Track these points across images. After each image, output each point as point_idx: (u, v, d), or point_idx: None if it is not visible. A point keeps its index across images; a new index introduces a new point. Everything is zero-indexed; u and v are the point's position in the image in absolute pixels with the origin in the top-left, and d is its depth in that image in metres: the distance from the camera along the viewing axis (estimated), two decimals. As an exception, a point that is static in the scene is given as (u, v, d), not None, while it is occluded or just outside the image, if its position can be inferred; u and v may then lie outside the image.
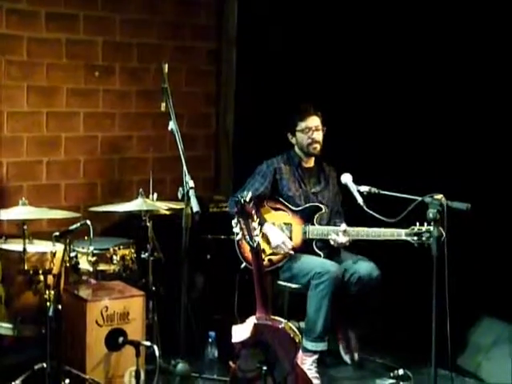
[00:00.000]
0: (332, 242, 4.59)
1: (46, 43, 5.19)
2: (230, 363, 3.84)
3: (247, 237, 3.66)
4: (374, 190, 4.19)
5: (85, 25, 5.33)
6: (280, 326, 3.69)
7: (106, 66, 5.46)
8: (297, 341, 3.69)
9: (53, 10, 5.20)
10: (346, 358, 4.81)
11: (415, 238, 4.35)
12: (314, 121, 4.81)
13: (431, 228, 3.71)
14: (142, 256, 4.50)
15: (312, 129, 4.78)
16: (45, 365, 3.96)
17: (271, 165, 4.84)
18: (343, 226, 4.57)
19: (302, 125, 4.81)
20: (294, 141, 4.87)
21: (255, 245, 3.67)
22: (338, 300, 4.53)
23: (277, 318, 3.79)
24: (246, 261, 4.60)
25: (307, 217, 4.72)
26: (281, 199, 4.76)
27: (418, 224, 4.33)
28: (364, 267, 4.60)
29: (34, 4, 5.12)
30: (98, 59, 5.42)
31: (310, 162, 4.89)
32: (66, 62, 5.28)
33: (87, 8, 5.34)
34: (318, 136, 4.80)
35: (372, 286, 4.56)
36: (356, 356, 4.79)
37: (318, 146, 4.80)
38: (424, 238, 4.30)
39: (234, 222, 3.76)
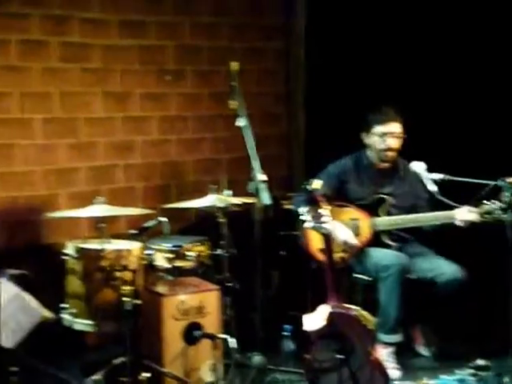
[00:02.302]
0: (459, 223, 4.42)
1: (119, 50, 5.35)
2: (304, 356, 3.85)
3: (316, 224, 3.67)
4: (447, 177, 4.14)
5: (156, 30, 5.49)
6: (353, 314, 3.69)
7: (177, 69, 5.60)
8: (370, 328, 3.68)
9: (124, 18, 5.36)
10: (423, 350, 4.76)
11: (487, 215, 4.27)
12: (393, 127, 4.67)
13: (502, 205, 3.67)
14: (217, 252, 4.56)
15: (389, 135, 4.65)
16: (124, 359, 4.06)
17: (338, 168, 4.78)
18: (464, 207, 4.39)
19: (379, 128, 4.68)
20: (367, 142, 4.76)
21: (325, 231, 3.67)
22: (413, 294, 4.50)
23: (349, 305, 3.79)
24: (311, 254, 4.59)
25: (373, 210, 4.68)
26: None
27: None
28: (449, 269, 4.53)
29: (106, 12, 5.29)
30: (169, 63, 5.56)
31: (383, 164, 4.77)
32: (138, 67, 5.44)
33: (157, 14, 5.49)
34: (395, 143, 4.66)
35: (457, 288, 4.49)
36: (433, 348, 4.75)
37: (392, 154, 4.68)
38: (496, 215, 4.21)
39: (301, 210, 3.76)
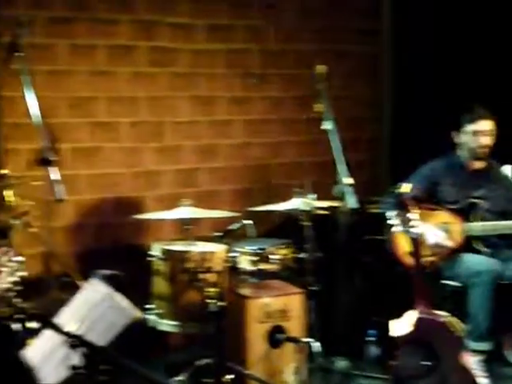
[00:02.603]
0: None
1: (206, 54, 5.41)
2: (391, 362, 3.80)
3: (405, 228, 3.63)
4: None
5: (242, 34, 5.53)
6: (441, 320, 3.63)
7: (262, 73, 5.63)
8: (459, 336, 3.61)
9: (212, 22, 5.42)
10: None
11: None
12: (485, 125, 4.64)
13: None
14: (301, 256, 4.55)
15: (482, 133, 4.62)
16: (208, 361, 4.08)
17: (430, 169, 4.74)
18: None
19: (470, 127, 4.65)
20: (459, 141, 4.72)
21: (415, 235, 3.63)
22: (505, 300, 4.39)
23: (437, 311, 3.73)
24: (399, 259, 4.54)
25: (465, 214, 4.60)
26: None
27: None
28: None
29: (194, 17, 5.36)
30: (255, 67, 5.60)
31: (476, 164, 4.72)
32: (224, 71, 5.49)
33: (244, 18, 5.54)
34: (486, 141, 4.63)
35: None
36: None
37: (484, 151, 4.65)
38: None
39: (389, 214, 3.73)
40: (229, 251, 4.33)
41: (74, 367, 2.10)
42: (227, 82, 5.51)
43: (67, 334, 2.04)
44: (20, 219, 4.04)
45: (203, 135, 5.47)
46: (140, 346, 4.56)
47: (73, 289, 3.88)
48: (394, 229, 3.93)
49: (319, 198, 4.60)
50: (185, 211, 4.34)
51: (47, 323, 2.13)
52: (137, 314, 2.65)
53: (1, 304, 3.74)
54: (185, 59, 5.35)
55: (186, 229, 4.29)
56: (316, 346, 4.00)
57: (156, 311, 4.27)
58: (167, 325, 4.25)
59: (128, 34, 5.17)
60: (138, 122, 5.25)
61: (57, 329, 2.06)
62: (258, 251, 4.57)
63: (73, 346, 2.03)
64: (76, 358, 2.21)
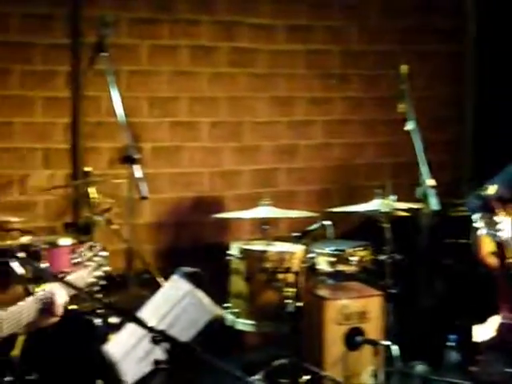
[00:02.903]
0: None
1: (286, 55, 5.42)
2: (471, 368, 3.73)
3: (491, 230, 3.55)
4: None
5: (322, 35, 5.52)
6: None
7: (343, 73, 5.60)
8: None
9: (292, 23, 5.43)
10: None
11: None
12: None
13: None
14: (380, 258, 4.50)
15: None
16: (284, 361, 4.08)
17: None
18: None
19: None
20: None
21: (500, 239, 3.54)
22: None
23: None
24: (482, 261, 4.43)
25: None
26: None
27: None
28: None
29: (275, 18, 5.38)
30: (335, 68, 5.58)
31: None
32: (304, 71, 5.49)
33: (325, 18, 5.53)
34: None
35: None
36: None
37: None
38: None
39: (474, 216, 3.65)
40: (307, 252, 4.32)
41: (156, 362, 2.12)
42: (307, 82, 5.51)
43: (151, 329, 2.06)
44: (102, 216, 4.11)
45: (282, 135, 5.48)
46: (217, 345, 4.60)
47: (153, 286, 3.95)
48: (479, 232, 3.85)
49: (399, 200, 4.55)
50: (264, 211, 4.35)
51: (131, 318, 2.15)
52: (218, 311, 2.67)
53: (84, 299, 3.84)
54: (264, 60, 5.38)
55: (265, 228, 4.29)
56: (395, 349, 3.95)
57: (233, 310, 4.28)
58: (244, 324, 4.26)
59: (209, 34, 5.23)
60: (217, 122, 5.30)
61: (141, 323, 2.09)
62: (337, 252, 4.55)
63: (156, 341, 2.05)
64: (159, 354, 2.24)
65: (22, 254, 2.42)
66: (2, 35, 4.76)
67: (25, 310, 2.56)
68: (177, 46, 5.16)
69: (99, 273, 3.09)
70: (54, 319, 2.67)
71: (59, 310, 2.63)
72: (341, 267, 4.53)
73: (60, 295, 2.66)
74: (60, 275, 2.69)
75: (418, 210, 4.22)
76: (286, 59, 5.43)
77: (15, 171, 4.85)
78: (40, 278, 3.38)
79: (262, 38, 5.34)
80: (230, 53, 5.28)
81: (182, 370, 2.14)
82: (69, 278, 2.75)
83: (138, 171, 3.54)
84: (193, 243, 5.21)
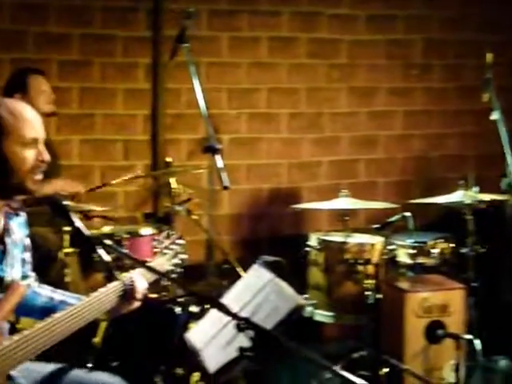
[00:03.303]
0: None
1: (366, 45, 5.38)
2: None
3: None
4: None
5: (404, 25, 5.45)
6: None
7: (424, 63, 5.53)
8: None
9: (373, 13, 5.38)
10: None
11: None
12: None
13: None
14: (462, 250, 4.41)
15: None
16: (363, 353, 4.05)
17: None
18: None
19: None
20: None
21: None
22: None
23: None
24: None
25: None
26: None
27: None
28: None
29: (355, 8, 5.34)
30: (417, 58, 5.50)
31: None
32: (384, 62, 5.44)
33: (406, 8, 5.46)
34: None
35: None
36: None
37: None
38: None
39: None
40: (387, 244, 4.27)
41: (241, 349, 2.13)
42: (387, 72, 5.46)
43: (236, 316, 2.06)
44: (183, 206, 4.15)
45: (362, 126, 5.44)
46: (295, 336, 4.60)
47: (232, 276, 3.97)
48: None
49: (484, 191, 4.46)
50: (343, 202, 4.32)
51: (216, 304, 2.16)
52: (300, 300, 2.66)
53: (164, 287, 3.89)
54: (344, 50, 5.35)
55: (344, 220, 4.27)
56: (477, 343, 3.87)
57: (311, 301, 4.27)
58: (322, 315, 4.25)
59: (289, 25, 5.23)
60: (296, 113, 5.29)
61: (225, 310, 2.09)
62: (418, 244, 4.48)
63: (240, 328, 2.05)
64: (241, 341, 2.24)
65: (108, 241, 2.46)
66: (85, 28, 4.86)
67: (106, 295, 2.60)
68: (256, 38, 5.17)
69: (176, 260, 3.13)
70: (135, 305, 2.71)
71: (140, 297, 2.67)
72: (421, 259, 4.46)
73: (141, 282, 2.70)
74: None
75: (502, 201, 4.13)
76: (367, 49, 5.38)
77: (96, 162, 4.95)
78: (122, 265, 3.44)
79: (341, 29, 5.32)
80: (310, 43, 5.27)
81: (266, 357, 2.13)
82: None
83: (219, 161, 3.56)
84: (271, 234, 5.23)
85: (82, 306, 2.52)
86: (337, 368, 1.99)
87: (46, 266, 4.04)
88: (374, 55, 5.41)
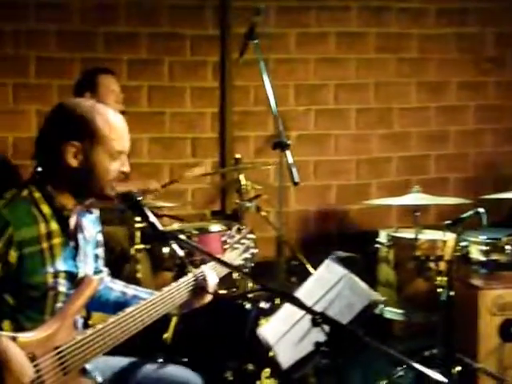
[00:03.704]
0: None
1: (436, 39, 5.30)
2: None
3: None
4: None
5: (476, 18, 5.35)
6: None
7: (497, 57, 5.42)
8: None
9: (443, 6, 5.31)
10: None
11: None
12: None
13: None
14: (535, 247, 4.31)
15: None
16: (435, 351, 3.98)
17: None
18: None
19: None
20: None
21: None
22: None
23: None
24: None
25: None
26: None
27: None
28: None
29: (425, 1, 5.27)
30: (489, 51, 5.40)
31: None
32: (455, 56, 5.36)
33: (477, 0, 5.35)
34: None
35: None
36: None
37: None
38: None
39: None
40: (459, 240, 4.18)
41: (317, 344, 2.11)
42: (459, 67, 5.37)
43: (311, 311, 2.04)
44: (252, 203, 4.15)
45: (432, 122, 5.36)
46: (364, 333, 4.56)
47: (301, 273, 3.96)
48: None
49: None
50: (414, 198, 4.26)
51: (291, 300, 2.15)
52: (375, 296, 2.62)
53: (234, 283, 3.90)
54: (414, 44, 5.28)
55: (415, 216, 4.20)
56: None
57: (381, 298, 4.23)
58: (392, 312, 4.20)
59: (357, 20, 5.18)
60: (365, 109, 5.25)
61: (301, 305, 2.08)
62: (491, 241, 4.38)
63: (316, 323, 2.03)
64: (315, 336, 2.23)
65: (182, 236, 2.47)
66: (153, 27, 4.91)
67: (178, 290, 2.62)
68: (324, 33, 5.15)
69: (247, 255, 3.13)
70: (206, 300, 2.72)
71: (211, 291, 2.68)
72: (495, 256, 4.36)
73: (212, 276, 2.71)
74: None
75: None
76: (437, 43, 5.31)
77: (165, 160, 4.99)
78: (193, 261, 3.45)
79: (411, 23, 5.25)
80: (379, 38, 5.22)
81: (339, 354, 2.11)
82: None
83: (289, 157, 3.54)
84: (339, 231, 5.20)
85: (154, 300, 2.54)
86: (414, 363, 1.95)
87: (119, 266, 4.11)
88: (445, 49, 5.33)
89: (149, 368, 2.71)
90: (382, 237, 4.32)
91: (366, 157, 5.28)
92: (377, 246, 4.34)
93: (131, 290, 2.79)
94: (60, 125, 2.44)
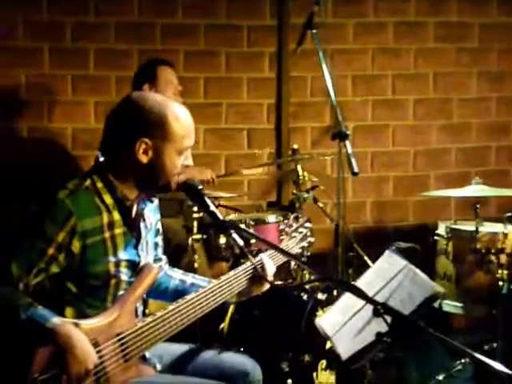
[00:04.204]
0: None
1: (498, 28, 5.20)
2: None
3: None
4: None
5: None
6: None
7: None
8: None
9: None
10: None
11: None
12: None
13: None
14: None
15: None
16: (495, 345, 3.92)
17: None
18: None
19: None
20: None
21: None
22: None
23: None
24: None
25: None
26: None
27: None
28: None
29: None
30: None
31: None
32: (517, 45, 5.24)
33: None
34: None
35: None
36: None
37: None
38: None
39: None
40: (520, 233, 4.11)
41: (378, 335, 2.08)
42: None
43: (373, 301, 2.02)
44: (309, 194, 4.13)
45: (492, 113, 5.26)
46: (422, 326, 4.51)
47: (359, 265, 3.93)
48: None
49: None
50: (474, 189, 4.19)
51: (352, 290, 2.13)
52: (436, 288, 2.59)
53: (290, 273, 3.89)
54: (474, 34, 5.18)
55: (475, 208, 4.13)
56: None
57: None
58: (451, 306, 4.15)
59: (416, 9, 5.11)
60: (423, 99, 5.18)
61: (362, 295, 2.06)
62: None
63: (377, 314, 2.01)
64: (375, 327, 2.21)
65: (242, 225, 2.47)
66: (210, 19, 4.92)
67: (236, 278, 2.62)
68: (382, 23, 5.09)
69: (304, 244, 3.12)
70: (264, 288, 2.72)
71: (269, 279, 2.68)
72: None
73: (270, 265, 2.71)
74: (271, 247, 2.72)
75: None
76: (499, 33, 5.19)
77: (221, 151, 5.00)
78: (250, 251, 3.45)
79: (471, 12, 5.15)
80: (438, 28, 5.13)
81: (403, 342, 2.09)
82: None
83: (348, 147, 3.51)
84: (396, 223, 5.16)
85: (213, 288, 2.55)
86: (476, 355, 1.92)
87: (176, 257, 4.14)
88: (506, 39, 5.20)
89: (208, 354, 2.72)
90: (441, 229, 4.27)
91: (424, 148, 5.21)
92: (435, 238, 4.29)
93: (190, 277, 2.81)
94: (131, 121, 2.46)
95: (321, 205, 4.19)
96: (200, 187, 2.57)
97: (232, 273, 2.64)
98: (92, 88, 4.75)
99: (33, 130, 4.79)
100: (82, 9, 4.76)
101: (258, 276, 2.67)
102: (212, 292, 2.55)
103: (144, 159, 2.44)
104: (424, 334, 1.98)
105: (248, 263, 2.67)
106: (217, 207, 4.34)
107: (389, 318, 2.04)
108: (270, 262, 2.72)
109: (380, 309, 1.99)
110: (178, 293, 2.69)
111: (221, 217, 2.49)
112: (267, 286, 2.71)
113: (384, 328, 2.07)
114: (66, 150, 4.80)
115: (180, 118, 2.48)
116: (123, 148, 2.44)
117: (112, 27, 4.81)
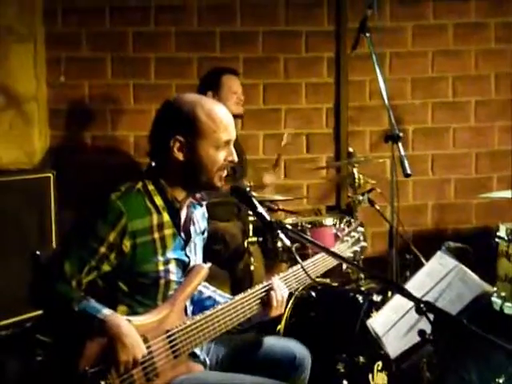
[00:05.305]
0: None
1: None
2: None
3: None
4: None
5: None
6: None
7: None
8: None
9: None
10: None
11: None
12: None
13: None
14: None
15: None
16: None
17: None
18: None
19: None
20: None
21: None
22: None
23: None
24: None
25: None
26: None
27: None
28: None
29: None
30: None
31: None
32: None
33: None
34: None
35: None
36: None
37: None
38: None
39: None
40: None
41: (421, 332, 2.07)
42: None
43: (418, 301, 2.02)
44: (364, 196, 4.13)
45: None
46: (482, 329, 4.44)
47: (415, 267, 3.90)
48: None
49: None
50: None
51: (398, 289, 2.13)
52: (486, 287, 2.56)
53: (345, 275, 3.89)
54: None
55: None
56: None
57: (500, 294, 4.11)
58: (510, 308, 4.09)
59: (476, 10, 5.06)
60: (485, 101, 5.11)
61: (407, 294, 2.06)
62: None
63: (420, 312, 2.01)
64: (424, 327, 2.20)
65: (289, 226, 2.49)
66: (269, 25, 4.97)
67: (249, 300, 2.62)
68: (442, 25, 5.05)
69: (356, 248, 3.12)
70: (273, 314, 2.65)
71: (276, 305, 2.62)
72: None
73: (279, 290, 2.64)
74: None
75: None
76: None
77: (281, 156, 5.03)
78: (305, 254, 3.46)
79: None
80: (499, 28, 5.06)
81: (448, 342, 2.08)
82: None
83: (401, 149, 3.50)
84: (457, 225, 5.10)
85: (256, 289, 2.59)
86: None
87: (234, 261, 4.19)
88: None
89: (261, 340, 2.74)
90: (502, 231, 4.21)
91: (486, 150, 5.14)
92: (496, 240, 4.23)
93: (208, 290, 2.79)
94: (166, 121, 2.54)
95: (378, 207, 4.18)
96: (247, 189, 2.61)
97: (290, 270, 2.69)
98: (153, 96, 4.84)
99: (97, 138, 4.93)
100: (143, 19, 4.87)
101: (265, 300, 2.62)
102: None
103: (180, 157, 2.50)
104: (471, 334, 1.97)
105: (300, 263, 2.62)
106: (275, 211, 4.42)
107: (433, 316, 2.04)
108: (279, 288, 2.65)
109: (422, 307, 1.99)
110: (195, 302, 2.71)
111: (268, 218, 2.52)
112: (277, 312, 2.65)
113: (428, 326, 2.07)
114: (129, 157, 4.92)
115: (211, 113, 2.51)
116: (163, 149, 2.51)
117: (172, 36, 4.91)
